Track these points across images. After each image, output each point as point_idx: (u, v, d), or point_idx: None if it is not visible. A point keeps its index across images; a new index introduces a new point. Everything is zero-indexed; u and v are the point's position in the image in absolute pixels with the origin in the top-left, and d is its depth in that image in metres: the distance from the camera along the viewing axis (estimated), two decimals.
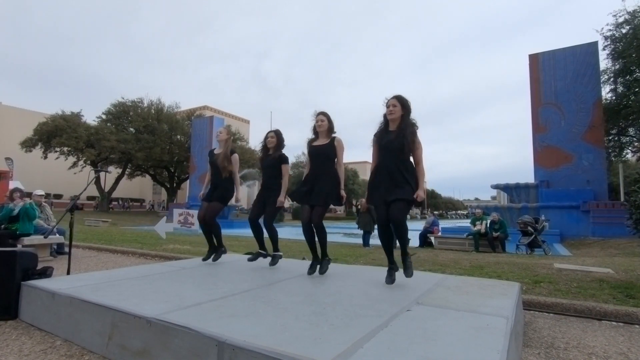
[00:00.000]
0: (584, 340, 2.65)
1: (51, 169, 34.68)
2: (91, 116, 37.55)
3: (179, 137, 33.52)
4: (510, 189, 16.18)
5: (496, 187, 18.06)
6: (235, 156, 4.23)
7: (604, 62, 14.86)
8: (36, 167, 33.74)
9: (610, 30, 14.02)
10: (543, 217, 10.85)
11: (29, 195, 6.42)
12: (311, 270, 3.53)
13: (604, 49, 14.39)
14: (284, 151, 4.03)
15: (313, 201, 3.40)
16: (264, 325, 1.97)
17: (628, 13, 13.42)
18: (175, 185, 36.91)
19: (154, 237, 9.10)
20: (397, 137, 3.01)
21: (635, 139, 16.17)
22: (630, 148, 16.69)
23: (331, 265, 3.76)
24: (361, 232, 9.98)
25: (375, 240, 8.48)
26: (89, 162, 29.42)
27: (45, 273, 3.17)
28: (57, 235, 6.12)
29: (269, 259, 4.02)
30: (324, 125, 3.48)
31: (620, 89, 14.92)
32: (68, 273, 3.64)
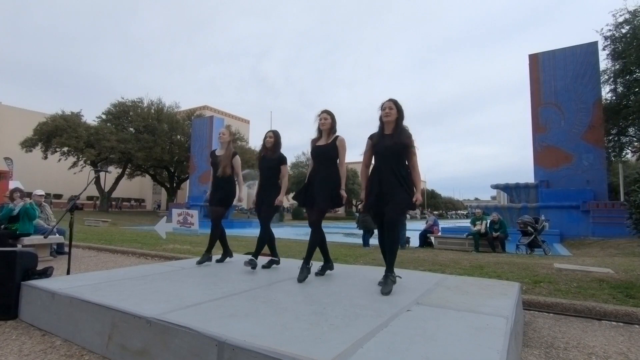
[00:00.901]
0: (583, 340, 2.65)
1: (51, 169, 34.68)
2: (91, 116, 37.55)
3: (179, 137, 33.52)
4: (510, 189, 16.19)
5: (496, 187, 18.07)
6: (237, 158, 4.27)
7: (604, 62, 14.89)
8: (36, 167, 33.76)
9: (610, 30, 14.03)
10: (543, 217, 10.85)
11: (29, 195, 6.41)
12: (302, 276, 3.21)
13: (603, 49, 14.42)
14: (282, 152, 4.01)
15: (314, 203, 3.38)
16: (264, 325, 1.97)
17: (628, 12, 13.41)
18: (175, 185, 36.92)
19: (153, 237, 9.10)
20: (394, 141, 3.02)
21: (635, 139, 16.15)
22: (630, 148, 16.68)
23: None
24: (361, 232, 9.98)
25: (375, 240, 8.48)
26: (89, 162, 29.42)
27: (46, 273, 3.17)
28: (57, 235, 6.13)
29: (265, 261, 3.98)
30: (326, 124, 3.46)
31: (620, 89, 14.92)
32: (68, 273, 3.64)
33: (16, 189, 6.19)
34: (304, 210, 4.08)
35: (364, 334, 1.83)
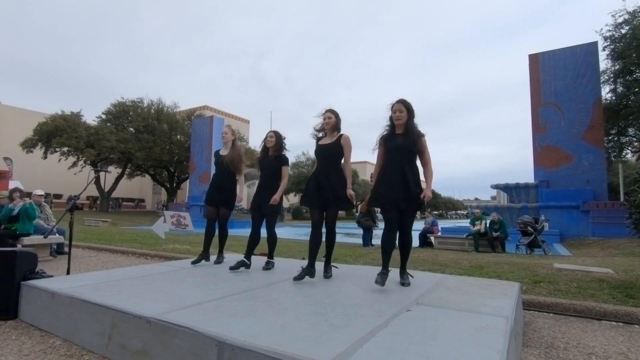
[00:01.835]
0: (583, 340, 2.65)
1: (51, 169, 34.62)
2: (91, 116, 37.49)
3: (179, 137, 33.48)
4: (510, 189, 16.19)
5: (496, 187, 18.08)
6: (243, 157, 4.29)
7: (604, 62, 14.90)
8: (36, 167, 33.71)
9: (609, 30, 14.05)
10: (543, 217, 10.85)
11: (29, 195, 6.41)
12: (299, 277, 3.17)
13: (603, 50, 14.43)
14: (284, 153, 3.99)
15: (327, 204, 3.35)
16: (264, 325, 1.96)
17: (628, 13, 13.42)
18: (175, 185, 36.90)
19: (153, 237, 9.10)
20: (405, 140, 3.05)
21: (635, 139, 16.17)
22: (630, 148, 16.70)
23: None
24: (361, 232, 9.99)
25: (375, 240, 8.47)
26: (88, 162, 29.40)
27: (42, 275, 3.15)
28: (57, 235, 6.13)
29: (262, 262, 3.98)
30: (330, 122, 3.44)
31: (620, 89, 14.93)
32: (68, 273, 3.64)
33: (16, 189, 6.19)
34: (304, 210, 4.07)
35: (364, 334, 1.83)
